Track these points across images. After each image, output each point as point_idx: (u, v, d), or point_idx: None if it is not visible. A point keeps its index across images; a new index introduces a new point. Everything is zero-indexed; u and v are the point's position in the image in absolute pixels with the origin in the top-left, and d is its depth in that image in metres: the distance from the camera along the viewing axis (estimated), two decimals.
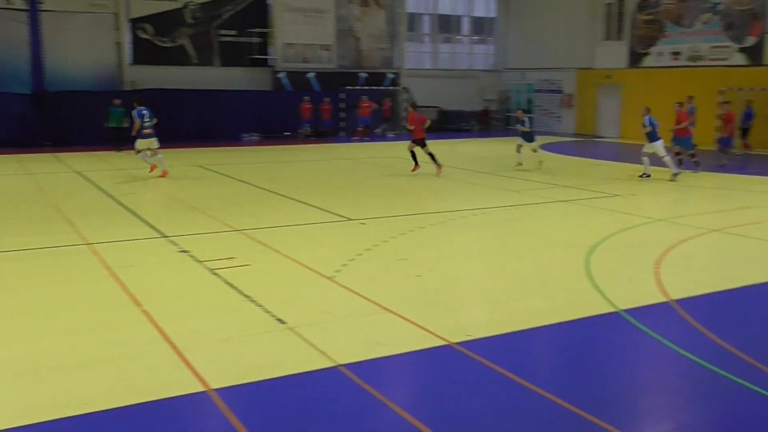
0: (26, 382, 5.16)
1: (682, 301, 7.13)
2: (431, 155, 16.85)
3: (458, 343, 5.92)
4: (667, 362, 5.81)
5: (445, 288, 7.73)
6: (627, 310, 6.82)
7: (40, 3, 25.16)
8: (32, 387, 5.08)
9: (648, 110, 16.13)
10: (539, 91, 33.35)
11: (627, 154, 17.76)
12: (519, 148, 18.33)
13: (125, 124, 22.14)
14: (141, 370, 5.37)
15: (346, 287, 7.52)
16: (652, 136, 15.91)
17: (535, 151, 18.37)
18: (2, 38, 25.49)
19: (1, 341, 5.95)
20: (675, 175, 15.93)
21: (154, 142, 16.48)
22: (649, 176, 16.08)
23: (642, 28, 28.48)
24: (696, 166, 17.02)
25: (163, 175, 16.30)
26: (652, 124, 15.86)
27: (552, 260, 8.94)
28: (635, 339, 6.24)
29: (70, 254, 8.99)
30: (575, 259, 8.81)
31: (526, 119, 18.50)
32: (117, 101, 22.92)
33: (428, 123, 17.17)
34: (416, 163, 17.08)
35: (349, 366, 5.44)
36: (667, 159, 15.99)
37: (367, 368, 5.45)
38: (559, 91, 32.38)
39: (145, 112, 16.60)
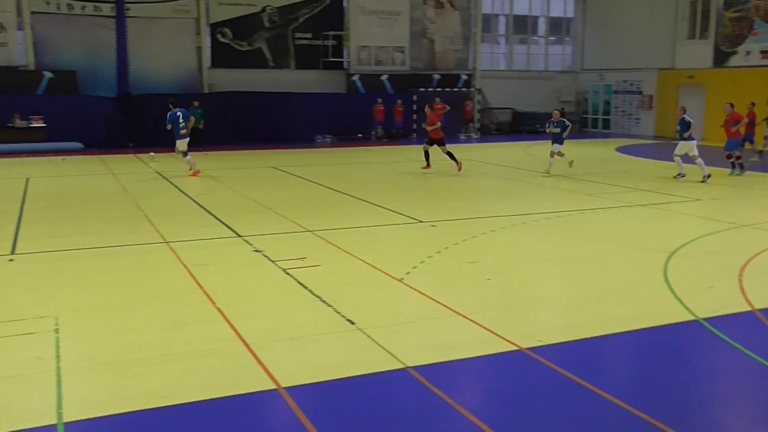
0: (109, 375, 5.36)
1: (767, 311, 6.82)
2: (450, 154, 17.45)
3: (530, 349, 5.83)
4: (749, 373, 5.56)
5: (517, 292, 7.62)
6: (707, 319, 6.57)
7: (127, 9, 26.17)
8: (115, 379, 5.27)
9: (684, 109, 16.82)
10: (617, 92, 32.54)
11: (710, 157, 17.10)
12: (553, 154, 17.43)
13: (201, 126, 23.17)
14: (214, 367, 5.50)
15: (415, 289, 7.51)
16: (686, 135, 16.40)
17: (560, 155, 17.52)
18: (91, 44, 26.67)
19: (89, 335, 6.20)
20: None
21: (184, 144, 17.42)
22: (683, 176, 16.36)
23: (728, 26, 27.40)
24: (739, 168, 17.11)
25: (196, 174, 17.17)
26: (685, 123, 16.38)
27: (629, 266, 8.69)
28: (715, 348, 6.00)
29: (150, 252, 9.31)
30: (653, 264, 8.54)
31: (562, 121, 17.63)
32: (196, 103, 23.72)
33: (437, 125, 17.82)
34: (428, 163, 17.79)
35: (418, 369, 5.43)
36: (699, 160, 16.02)
37: (437, 371, 5.43)
38: (638, 92, 31.48)
39: (179, 113, 17.61)
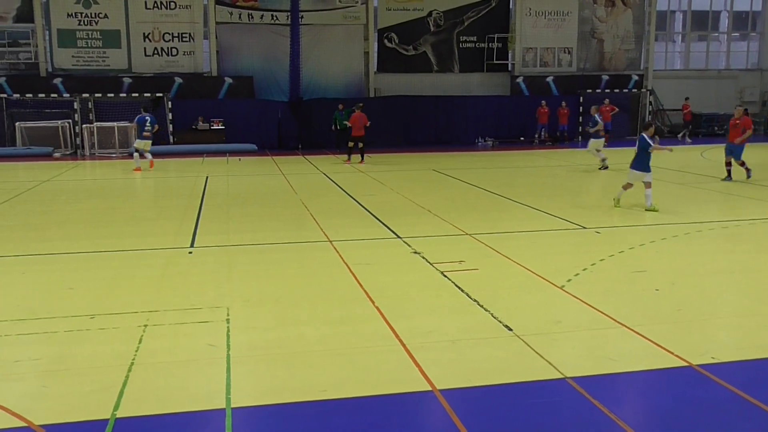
0: (274, 365, 5.63)
1: None
2: (361, 150, 21.01)
3: (701, 366, 5.42)
4: None
5: (687, 305, 7.12)
6: None
7: (301, 18, 27.51)
8: (278, 370, 5.52)
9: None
10: None
11: None
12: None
13: (348, 126, 24.20)
14: (372, 364, 5.61)
15: (577, 297, 7.24)
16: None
17: (598, 150, 18.65)
18: (267, 51, 28.30)
19: (257, 326, 6.55)
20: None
21: (148, 144, 20.25)
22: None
23: None
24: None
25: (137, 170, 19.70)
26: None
27: None
28: None
29: (315, 249, 9.68)
30: None
31: (596, 116, 18.77)
32: (340, 105, 24.67)
33: (368, 123, 20.89)
34: (349, 157, 21.28)
35: (577, 379, 5.22)
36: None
37: (597, 383, 5.19)
38: None
39: (147, 118, 20.12)
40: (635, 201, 12.83)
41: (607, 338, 6.15)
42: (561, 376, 5.28)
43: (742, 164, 16.08)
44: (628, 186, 12.69)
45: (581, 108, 29.31)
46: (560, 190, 15.50)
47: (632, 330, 6.24)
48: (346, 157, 21.60)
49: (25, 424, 4.57)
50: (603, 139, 19.15)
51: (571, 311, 6.89)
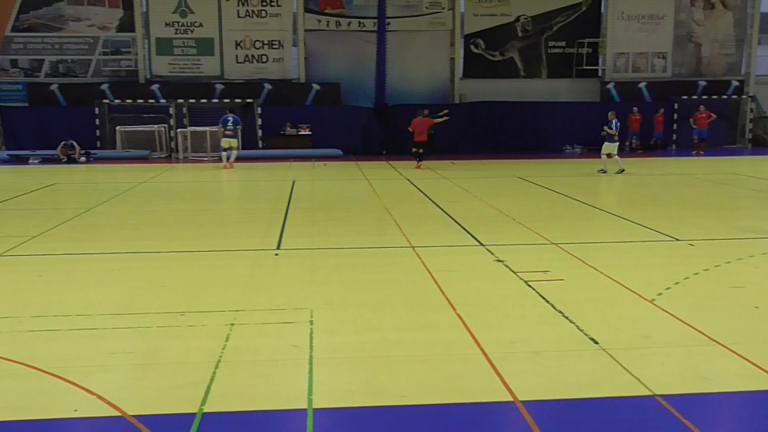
0: (355, 369, 5.66)
1: None
2: (419, 156, 21.43)
3: None
4: None
5: None
6: None
7: (388, 24, 27.73)
8: (359, 374, 5.55)
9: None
10: None
11: None
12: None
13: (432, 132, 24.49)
14: (453, 372, 5.56)
15: (668, 312, 6.96)
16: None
17: (609, 155, 19.74)
18: (353, 57, 28.66)
19: (339, 328, 6.62)
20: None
21: (234, 142, 21.81)
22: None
23: None
24: None
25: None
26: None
27: None
28: None
29: (397, 255, 9.71)
30: None
31: (613, 122, 19.78)
32: (425, 111, 24.66)
33: (434, 123, 21.91)
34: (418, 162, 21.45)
35: (666, 397, 5.02)
36: None
37: (689, 402, 4.97)
38: None
39: (230, 118, 21.57)
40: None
41: (700, 356, 5.89)
42: (649, 393, 5.09)
43: None
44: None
45: (675, 115, 28.29)
46: (651, 200, 14.98)
47: (728, 348, 5.95)
48: (416, 163, 21.66)
49: (119, 414, 4.77)
50: (617, 144, 20.17)
51: (661, 326, 6.63)
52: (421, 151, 21.57)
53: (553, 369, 5.60)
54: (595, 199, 14.84)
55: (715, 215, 12.99)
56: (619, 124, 20.19)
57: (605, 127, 19.95)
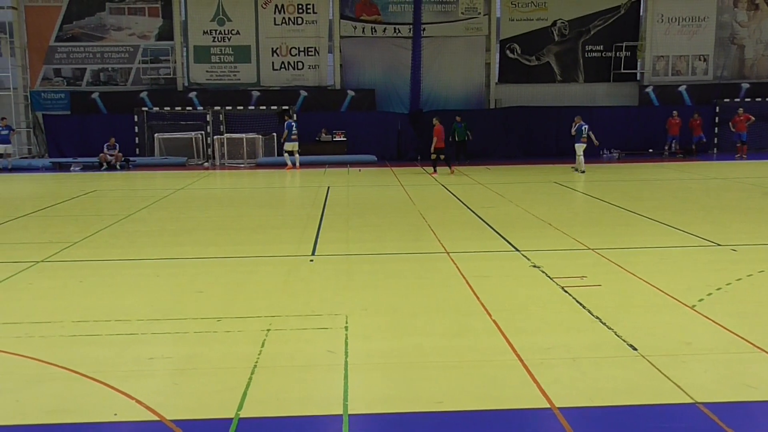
0: (390, 374, 5.65)
1: None
2: (434, 162, 21.53)
3: None
4: None
5: None
6: None
7: (423, 30, 27.73)
8: (395, 380, 5.53)
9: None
10: None
11: None
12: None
13: (468, 138, 24.77)
14: (489, 378, 5.51)
15: (710, 319, 6.82)
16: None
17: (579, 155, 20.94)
18: (389, 63, 28.74)
19: (374, 334, 6.62)
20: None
21: (296, 146, 23.61)
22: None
23: None
24: None
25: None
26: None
27: None
28: None
29: (432, 260, 9.67)
30: None
31: (579, 125, 21.29)
32: (458, 118, 24.63)
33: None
34: (435, 169, 21.55)
35: (709, 405, 4.90)
36: None
37: (732, 411, 4.85)
38: None
39: (293, 123, 23.35)
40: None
41: (743, 363, 5.75)
42: (691, 401, 4.99)
43: None
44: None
45: (717, 119, 27.75)
46: (692, 205, 14.71)
47: None
48: (449, 170, 21.57)
49: (157, 419, 4.83)
50: (583, 144, 21.36)
51: (702, 333, 6.50)
52: (442, 156, 21.48)
53: (591, 375, 5.52)
54: (634, 203, 14.61)
55: (758, 219, 12.69)
56: (587, 126, 21.61)
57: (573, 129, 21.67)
